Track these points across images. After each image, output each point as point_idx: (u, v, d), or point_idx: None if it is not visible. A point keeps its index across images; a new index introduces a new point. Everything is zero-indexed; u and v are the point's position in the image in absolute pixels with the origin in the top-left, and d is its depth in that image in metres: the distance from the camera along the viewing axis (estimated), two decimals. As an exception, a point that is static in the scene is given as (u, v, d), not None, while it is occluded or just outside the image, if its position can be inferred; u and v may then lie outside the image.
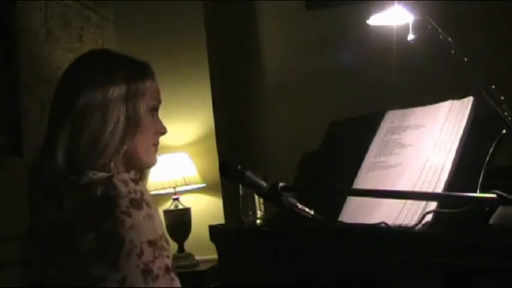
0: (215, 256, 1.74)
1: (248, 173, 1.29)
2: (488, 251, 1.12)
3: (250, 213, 1.74)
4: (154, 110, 1.22)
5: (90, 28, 2.90)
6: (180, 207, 2.82)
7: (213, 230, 1.77)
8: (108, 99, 1.13)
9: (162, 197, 2.94)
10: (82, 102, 1.11)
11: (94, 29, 2.93)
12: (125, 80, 1.16)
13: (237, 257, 1.66)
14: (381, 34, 1.96)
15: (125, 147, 1.15)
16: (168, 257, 1.04)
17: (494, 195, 1.04)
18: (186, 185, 2.86)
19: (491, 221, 1.21)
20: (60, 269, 1.04)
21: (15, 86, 2.28)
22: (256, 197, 1.72)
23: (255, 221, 1.74)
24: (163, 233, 1.06)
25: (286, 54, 3.00)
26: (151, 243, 1.01)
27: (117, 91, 1.14)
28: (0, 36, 2.26)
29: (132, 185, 1.04)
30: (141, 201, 1.03)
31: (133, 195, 1.03)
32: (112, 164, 1.13)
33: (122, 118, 1.13)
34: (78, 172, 1.08)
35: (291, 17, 3.01)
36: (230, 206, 2.82)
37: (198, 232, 2.67)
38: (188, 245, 2.73)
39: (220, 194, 2.90)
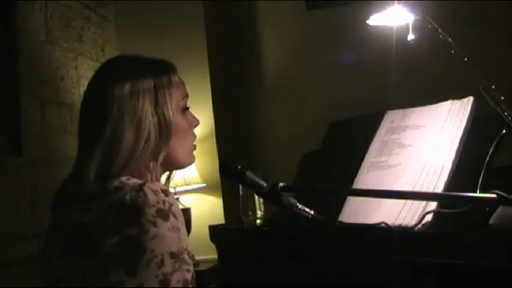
0: (215, 256, 1.74)
1: (248, 173, 1.28)
2: (488, 251, 1.12)
3: (250, 213, 1.74)
4: (185, 108, 1.22)
5: (90, 28, 2.90)
6: (180, 207, 2.82)
7: (213, 230, 1.77)
8: (138, 113, 1.11)
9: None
10: (112, 122, 1.10)
11: (94, 29, 2.93)
12: (152, 88, 1.15)
13: (237, 257, 1.66)
14: (381, 34, 1.96)
15: (163, 154, 1.15)
16: (188, 271, 1.03)
17: (494, 195, 1.03)
18: (186, 185, 2.86)
19: (491, 221, 1.21)
20: (81, 269, 1.03)
21: (15, 86, 2.28)
22: (256, 197, 1.72)
23: (255, 221, 1.74)
24: (187, 246, 1.05)
25: (286, 54, 3.00)
26: (173, 255, 1.01)
27: (146, 101, 1.13)
28: (0, 36, 2.26)
29: (162, 195, 1.04)
30: (168, 212, 1.03)
31: (161, 205, 1.02)
32: (148, 169, 1.13)
33: (153, 131, 1.12)
34: (112, 177, 1.08)
35: (291, 17, 3.01)
36: (230, 206, 2.82)
37: (198, 232, 2.66)
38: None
39: (220, 194, 2.90)
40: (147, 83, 1.14)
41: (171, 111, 1.16)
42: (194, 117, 1.25)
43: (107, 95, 1.12)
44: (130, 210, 1.01)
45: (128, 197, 1.02)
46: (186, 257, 1.04)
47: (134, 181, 1.06)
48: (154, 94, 1.14)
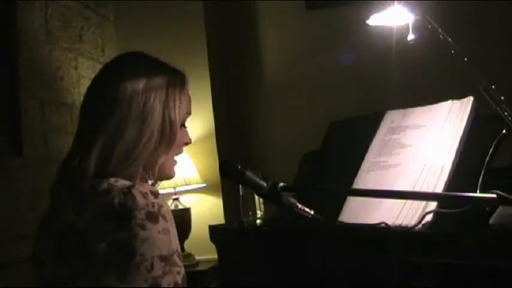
0: (215, 256, 1.74)
1: (248, 173, 1.28)
2: (488, 251, 1.12)
3: (250, 213, 1.74)
4: (183, 125, 1.24)
5: (90, 28, 2.90)
6: (180, 207, 2.82)
7: (213, 230, 1.77)
8: (146, 112, 1.13)
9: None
10: (119, 114, 1.11)
11: (94, 29, 2.93)
12: (164, 91, 1.16)
13: (237, 257, 1.66)
14: (381, 34, 1.96)
15: (162, 158, 1.16)
16: (179, 273, 1.02)
17: (494, 195, 1.03)
18: (186, 185, 2.85)
19: (491, 221, 1.21)
20: (73, 272, 1.03)
21: (15, 86, 2.28)
22: (256, 197, 1.72)
23: (255, 221, 1.74)
24: (177, 248, 1.04)
25: (286, 54, 3.00)
26: (163, 258, 1.00)
27: (155, 104, 1.14)
28: (0, 36, 2.26)
29: (151, 197, 1.03)
30: (158, 214, 1.02)
31: (150, 208, 1.02)
32: (141, 173, 1.14)
33: (156, 131, 1.13)
34: (103, 176, 1.07)
35: (291, 17, 3.01)
36: (230, 206, 2.82)
37: (198, 232, 2.67)
38: (188, 245, 2.72)
39: (220, 194, 2.90)
40: (161, 86, 1.16)
41: (177, 119, 1.17)
42: (188, 136, 1.26)
43: (119, 90, 1.13)
44: (119, 214, 1.01)
45: (116, 201, 1.02)
46: (177, 259, 1.03)
47: (123, 183, 1.06)
48: (165, 96, 1.16)
